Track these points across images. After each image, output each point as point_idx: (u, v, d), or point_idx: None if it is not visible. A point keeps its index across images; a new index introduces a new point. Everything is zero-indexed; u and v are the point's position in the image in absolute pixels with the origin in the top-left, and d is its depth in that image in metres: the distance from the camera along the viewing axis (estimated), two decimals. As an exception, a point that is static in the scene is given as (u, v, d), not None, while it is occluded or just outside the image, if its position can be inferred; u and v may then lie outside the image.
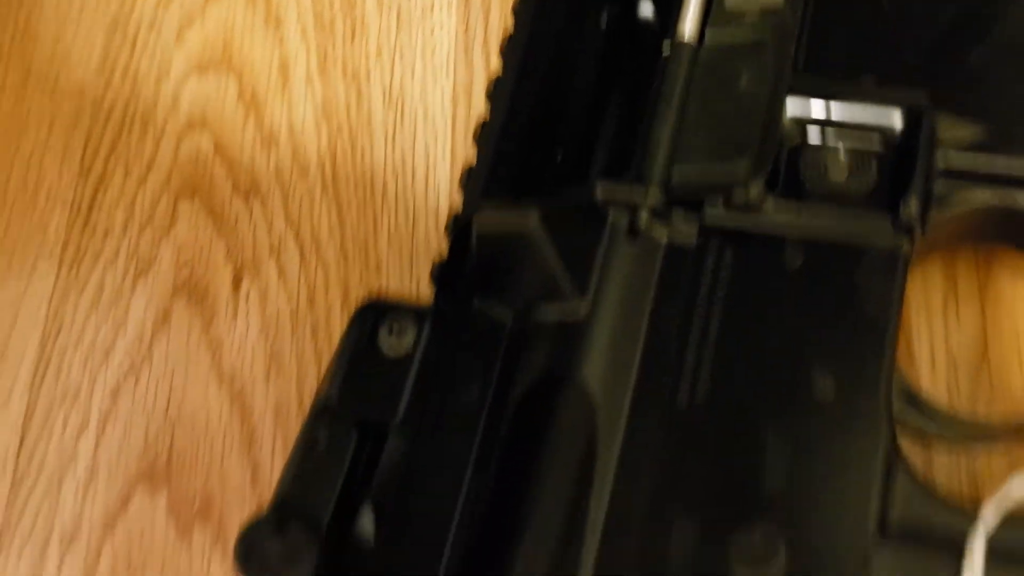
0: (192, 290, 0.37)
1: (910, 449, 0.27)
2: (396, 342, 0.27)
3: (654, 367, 0.26)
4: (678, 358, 0.26)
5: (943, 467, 0.29)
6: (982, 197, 0.28)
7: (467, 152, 0.35)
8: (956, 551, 0.23)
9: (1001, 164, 0.28)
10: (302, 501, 0.26)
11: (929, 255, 0.31)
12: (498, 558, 0.24)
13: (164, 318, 0.36)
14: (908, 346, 0.31)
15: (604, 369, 0.26)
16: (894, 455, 0.24)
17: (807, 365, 0.25)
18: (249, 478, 0.34)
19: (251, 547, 0.26)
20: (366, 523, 0.26)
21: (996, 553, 0.23)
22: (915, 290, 0.32)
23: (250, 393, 0.35)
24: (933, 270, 0.32)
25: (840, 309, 0.26)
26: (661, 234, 0.28)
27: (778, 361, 0.26)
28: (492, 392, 0.27)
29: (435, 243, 0.36)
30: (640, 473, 0.25)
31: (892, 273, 0.26)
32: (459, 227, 0.29)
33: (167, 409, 0.35)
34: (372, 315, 0.28)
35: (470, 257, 0.28)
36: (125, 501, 0.34)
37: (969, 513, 0.24)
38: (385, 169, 0.38)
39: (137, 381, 0.36)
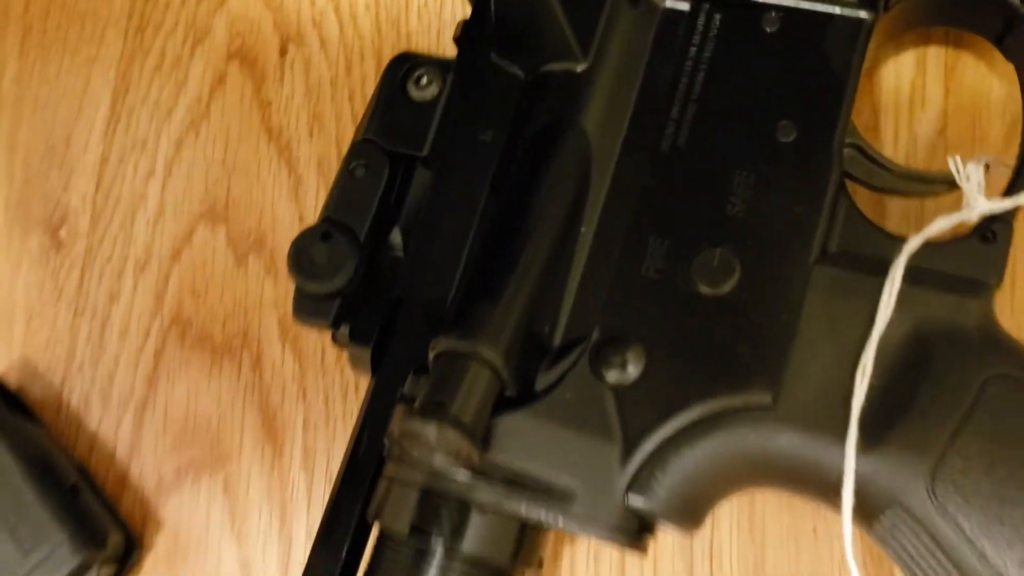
0: (244, 57, 0.41)
1: (868, 198, 0.32)
2: (423, 89, 0.32)
3: (644, 116, 0.31)
4: (665, 109, 0.31)
5: (895, 215, 0.33)
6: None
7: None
8: (882, 271, 0.28)
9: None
10: (343, 218, 0.31)
11: (903, 42, 0.35)
12: (503, 268, 0.29)
13: (220, 81, 0.41)
14: (876, 123, 0.35)
15: (601, 116, 0.31)
16: (841, 191, 0.29)
17: (774, 115, 0.30)
18: (296, 219, 0.39)
19: (301, 253, 0.31)
20: (396, 239, 0.32)
21: (913, 275, 0.28)
22: (889, 76, 0.36)
23: (296, 147, 0.39)
24: (906, 58, 0.36)
25: (807, 68, 0.30)
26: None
27: (749, 112, 0.30)
28: (506, 134, 0.31)
29: (460, 18, 0.39)
30: (624, 202, 0.30)
31: (855, 40, 0.30)
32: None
33: (224, 159, 0.40)
34: (403, 65, 0.32)
35: (490, 18, 0.32)
36: (189, 235, 0.40)
37: (898, 241, 0.28)
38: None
39: (197, 135, 0.40)
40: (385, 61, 0.35)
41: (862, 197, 0.33)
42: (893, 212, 0.34)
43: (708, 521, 0.33)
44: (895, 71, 0.36)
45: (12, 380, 0.39)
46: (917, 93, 0.35)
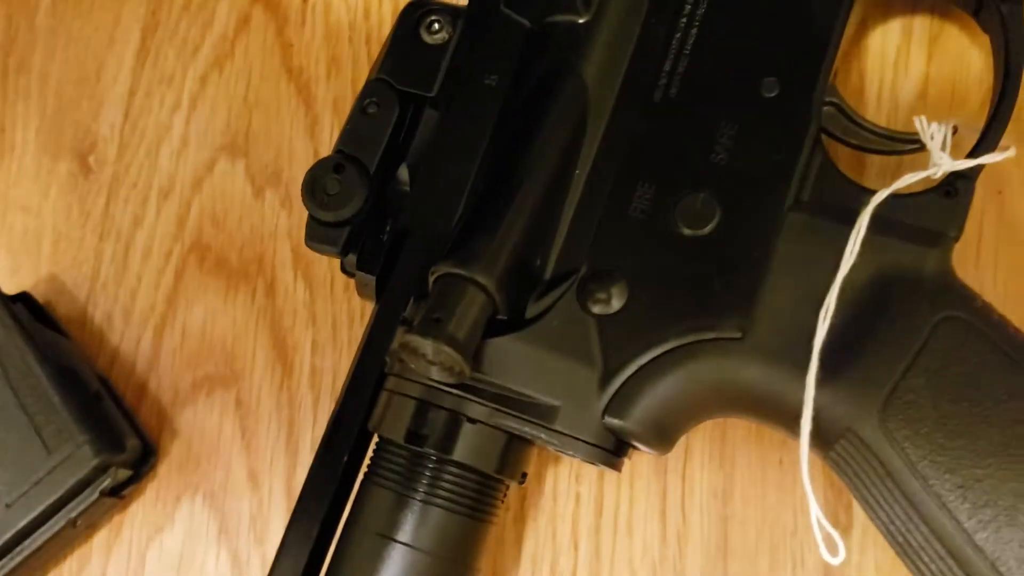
0: (268, 0, 0.43)
1: (850, 155, 0.34)
2: (435, 34, 0.34)
3: (639, 68, 0.33)
4: (659, 62, 0.33)
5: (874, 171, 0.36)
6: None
7: None
8: (850, 220, 0.30)
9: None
10: (355, 152, 0.33)
11: (891, 10, 0.37)
12: (501, 203, 0.32)
13: (244, 22, 0.43)
14: (862, 85, 0.37)
15: (599, 66, 0.33)
16: (817, 145, 0.31)
17: (760, 71, 0.32)
18: (312, 156, 0.41)
19: (315, 182, 0.33)
20: (403, 175, 0.34)
21: (878, 225, 0.30)
22: (876, 41, 0.38)
23: (314, 87, 0.42)
24: (893, 26, 0.38)
25: (793, 29, 0.32)
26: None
27: (737, 67, 0.32)
28: (510, 79, 0.33)
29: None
30: (617, 148, 0.32)
31: (839, 4, 0.32)
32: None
33: (246, 96, 0.42)
34: (417, 11, 0.34)
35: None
36: (211, 166, 0.42)
37: (867, 192, 0.30)
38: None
39: (221, 72, 0.43)
40: (401, 7, 0.37)
41: (844, 154, 0.35)
42: (873, 168, 0.36)
43: (682, 449, 0.36)
44: (882, 37, 0.38)
45: (40, 295, 0.42)
46: (901, 59, 0.37)
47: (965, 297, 0.30)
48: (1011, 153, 0.31)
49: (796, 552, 0.35)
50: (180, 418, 0.40)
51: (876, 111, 0.37)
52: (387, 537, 0.31)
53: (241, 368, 0.40)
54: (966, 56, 0.37)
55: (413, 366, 0.30)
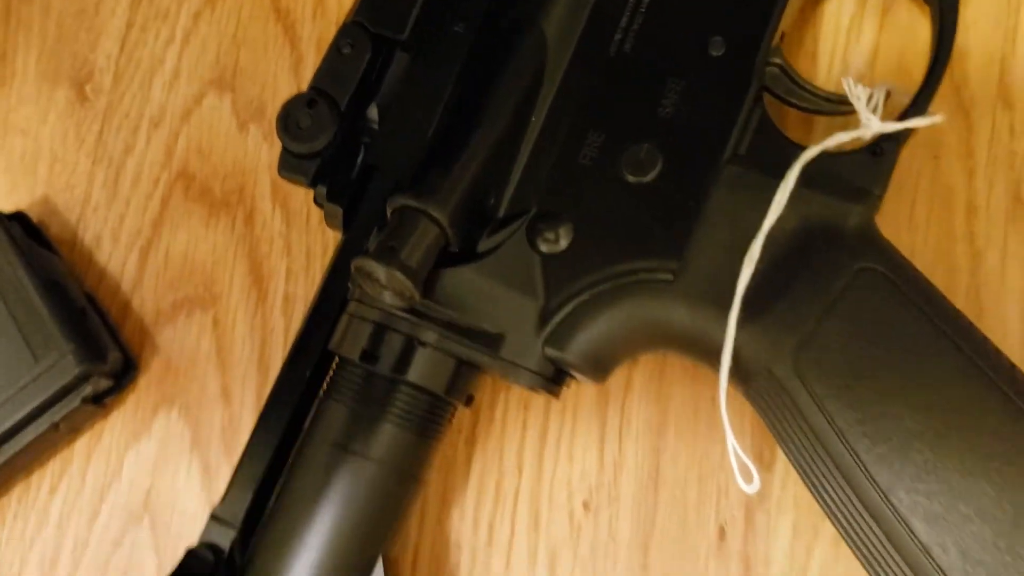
0: (261, -58, 0.45)
1: (798, 116, 0.36)
2: (409, -17, 0.36)
3: (597, 24, 0.35)
4: (616, 18, 0.35)
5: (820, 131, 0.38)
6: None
7: None
8: (781, 174, 0.32)
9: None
10: (328, 89, 0.36)
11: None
12: (460, 144, 0.34)
13: (236, -38, 0.45)
14: (815, 50, 0.39)
15: (560, 19, 0.35)
16: (757, 103, 0.33)
17: (709, 30, 0.34)
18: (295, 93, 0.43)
19: (289, 116, 0.35)
20: (373, 113, 0.36)
21: (807, 179, 0.32)
22: (832, 8, 0.39)
23: (300, 28, 0.44)
24: (850, -3, 0.40)
25: (739, -10, 0.34)
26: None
27: (688, 26, 0.34)
28: (476, 27, 0.35)
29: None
30: (571, 98, 0.35)
31: (786, -29, 0.34)
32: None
33: (235, 33, 0.44)
34: (392, -41, 0.36)
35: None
36: (199, 99, 0.44)
37: (799, 149, 0.32)
38: None
39: (214, 9, 0.45)
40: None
41: (792, 116, 0.37)
42: (820, 130, 0.38)
43: (622, 385, 0.39)
44: (838, 5, 0.39)
45: (34, 215, 0.44)
46: (854, 27, 0.39)
47: (884, 252, 0.32)
48: (938, 119, 0.33)
49: (722, 484, 0.37)
50: (160, 335, 0.43)
51: (827, 75, 0.39)
52: (341, 447, 0.34)
53: (219, 292, 0.43)
54: (916, 27, 0.39)
55: (368, 290, 0.33)
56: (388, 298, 0.33)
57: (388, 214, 0.33)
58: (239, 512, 0.34)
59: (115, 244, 0.44)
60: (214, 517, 0.34)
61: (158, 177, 0.44)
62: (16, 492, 0.42)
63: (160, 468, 0.41)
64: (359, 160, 0.36)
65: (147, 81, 0.45)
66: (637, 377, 0.38)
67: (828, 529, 0.36)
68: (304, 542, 0.34)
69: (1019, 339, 0.36)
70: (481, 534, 0.38)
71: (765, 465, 0.37)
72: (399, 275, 0.31)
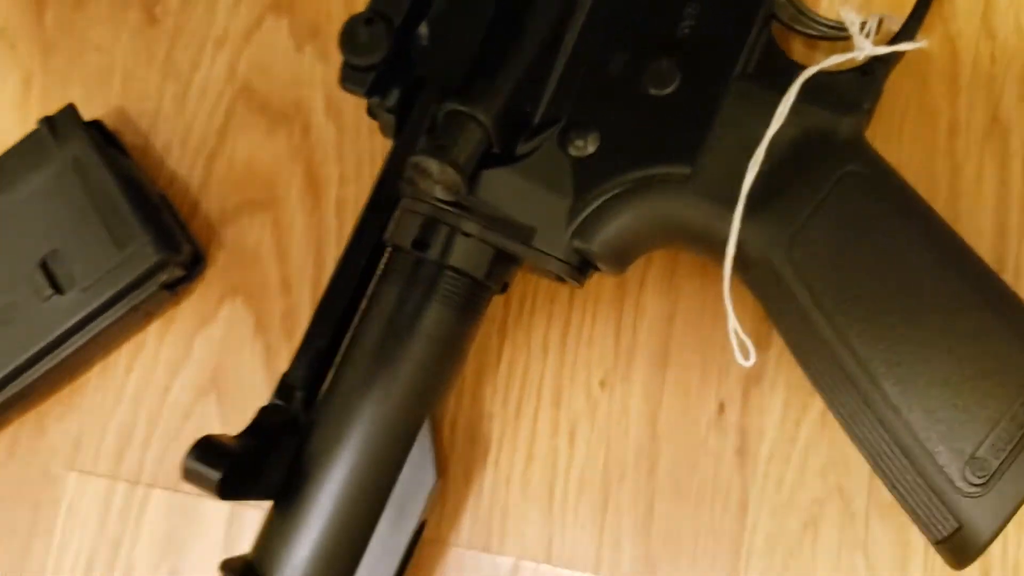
0: None
1: (804, 42, 0.41)
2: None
3: (625, -47, 0.39)
4: (641, -51, 0.39)
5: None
6: None
7: None
8: (783, 89, 0.37)
9: None
10: (384, 8, 0.40)
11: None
12: (502, 57, 0.38)
13: None
14: (819, -15, 0.44)
15: (592, -50, 0.39)
16: (765, 27, 0.38)
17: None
18: (346, 16, 0.47)
19: (349, 31, 0.40)
20: (423, 31, 0.41)
21: (806, 95, 0.37)
22: (837, -53, 0.44)
23: None
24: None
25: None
26: None
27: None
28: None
29: None
30: (601, 18, 0.39)
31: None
32: None
33: (293, -39, 0.49)
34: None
35: None
36: (259, 21, 0.49)
37: (800, 68, 0.37)
38: None
39: (272, -60, 0.49)
40: None
41: (797, 43, 0.42)
42: (821, 54, 0.43)
43: (637, 281, 0.44)
44: (841, -54, 0.44)
45: (109, 124, 0.49)
46: (855, -35, 0.44)
47: (870, 159, 0.37)
48: (922, 44, 0.37)
49: (723, 366, 0.42)
50: (226, 233, 0.48)
51: (828, 5, 0.43)
52: (394, 322, 0.39)
53: (279, 195, 0.47)
54: (912, -36, 0.43)
55: (421, 184, 0.38)
56: (439, 192, 0.37)
57: (439, 117, 0.38)
58: (305, 377, 0.40)
59: (184, 151, 0.49)
60: (283, 381, 0.40)
61: (222, 91, 0.49)
62: (97, 368, 0.47)
63: (226, 349, 0.47)
64: (411, 74, 0.41)
65: (212, 5, 0.49)
66: (651, 273, 0.43)
67: (815, 407, 0.42)
68: (362, 404, 0.39)
69: (991, 243, 0.41)
70: (510, 408, 0.44)
71: (761, 349, 0.42)
72: (450, 169, 0.36)
